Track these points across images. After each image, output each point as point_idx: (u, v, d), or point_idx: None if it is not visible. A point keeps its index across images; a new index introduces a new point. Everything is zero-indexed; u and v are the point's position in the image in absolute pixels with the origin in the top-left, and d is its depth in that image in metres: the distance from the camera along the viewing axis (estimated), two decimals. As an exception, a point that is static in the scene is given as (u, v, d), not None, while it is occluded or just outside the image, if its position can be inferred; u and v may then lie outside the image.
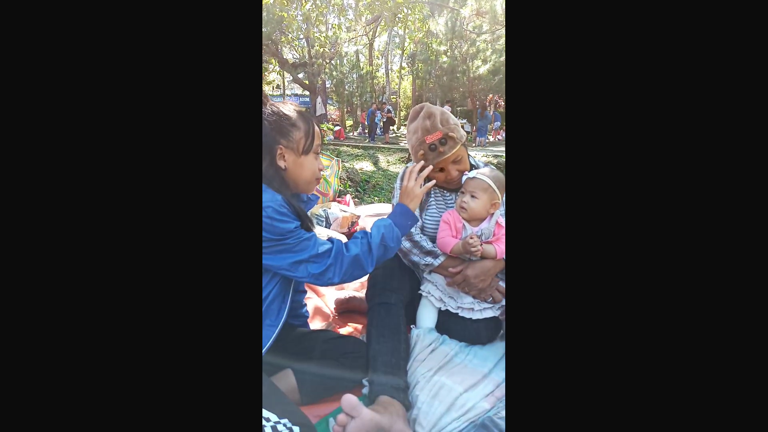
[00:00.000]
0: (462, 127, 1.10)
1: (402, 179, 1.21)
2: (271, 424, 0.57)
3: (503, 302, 1.02)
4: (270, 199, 0.74)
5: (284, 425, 0.57)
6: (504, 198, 1.06)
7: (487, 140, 10.06)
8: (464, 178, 1.04)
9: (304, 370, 0.86)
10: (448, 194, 1.17)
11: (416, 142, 1.06)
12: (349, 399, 0.68)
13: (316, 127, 0.85)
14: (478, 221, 1.02)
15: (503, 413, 0.79)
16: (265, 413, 0.60)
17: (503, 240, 1.02)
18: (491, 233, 1.02)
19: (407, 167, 1.23)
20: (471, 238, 0.95)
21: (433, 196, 1.18)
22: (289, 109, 0.84)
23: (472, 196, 1.00)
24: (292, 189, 0.85)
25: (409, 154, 1.11)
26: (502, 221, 1.05)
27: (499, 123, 11.08)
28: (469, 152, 1.18)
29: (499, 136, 11.17)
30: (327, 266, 0.78)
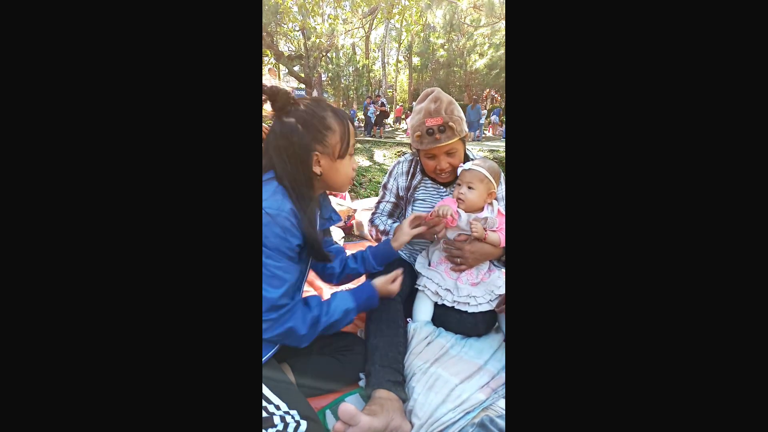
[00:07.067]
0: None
1: (390, 174, 1.21)
2: (281, 413, 0.58)
3: (496, 296, 1.04)
4: (278, 207, 0.70)
5: (292, 417, 0.58)
6: (501, 188, 1.08)
7: (483, 135, 9.98)
8: (459, 169, 1.05)
9: (301, 365, 0.87)
10: (442, 188, 1.18)
11: (417, 122, 1.07)
12: (347, 408, 0.68)
13: (351, 126, 0.81)
14: (476, 211, 1.04)
15: (501, 409, 0.81)
16: (276, 400, 0.61)
17: (504, 229, 1.05)
18: (495, 223, 1.04)
19: (399, 161, 1.24)
20: (473, 224, 0.99)
21: (423, 187, 1.19)
22: (322, 107, 0.78)
23: (469, 187, 1.02)
24: (322, 189, 0.83)
25: (409, 146, 1.12)
26: (503, 211, 1.08)
27: (496, 118, 11.04)
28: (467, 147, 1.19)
29: (496, 131, 11.15)
30: (267, 318, 0.71)
